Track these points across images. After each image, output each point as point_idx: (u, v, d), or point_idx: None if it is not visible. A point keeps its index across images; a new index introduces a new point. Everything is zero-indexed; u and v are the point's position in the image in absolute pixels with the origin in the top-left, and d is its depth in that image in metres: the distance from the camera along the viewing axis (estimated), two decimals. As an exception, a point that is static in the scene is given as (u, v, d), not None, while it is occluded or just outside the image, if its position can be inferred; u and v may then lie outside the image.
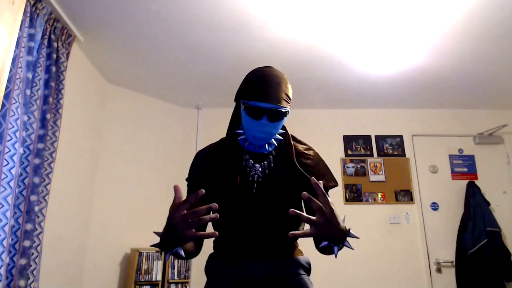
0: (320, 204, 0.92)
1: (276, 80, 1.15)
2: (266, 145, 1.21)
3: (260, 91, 1.12)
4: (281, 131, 1.25)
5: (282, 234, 1.21)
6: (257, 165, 1.22)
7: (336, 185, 1.28)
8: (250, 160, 1.22)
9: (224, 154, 1.24)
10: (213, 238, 1.31)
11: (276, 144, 1.24)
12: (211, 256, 1.30)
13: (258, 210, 1.19)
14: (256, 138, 1.17)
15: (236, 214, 1.20)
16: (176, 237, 0.92)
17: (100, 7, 2.37)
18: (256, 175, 1.21)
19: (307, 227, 1.26)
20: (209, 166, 1.25)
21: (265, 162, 1.22)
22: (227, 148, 1.24)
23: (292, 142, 1.27)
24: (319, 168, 1.27)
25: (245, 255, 1.20)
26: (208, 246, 1.31)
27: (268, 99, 1.11)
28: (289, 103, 1.17)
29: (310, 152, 1.29)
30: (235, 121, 1.25)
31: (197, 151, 1.34)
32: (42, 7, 2.19)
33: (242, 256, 1.20)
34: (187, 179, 1.30)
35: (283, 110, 1.14)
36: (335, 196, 3.58)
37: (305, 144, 1.33)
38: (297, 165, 1.22)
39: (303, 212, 1.25)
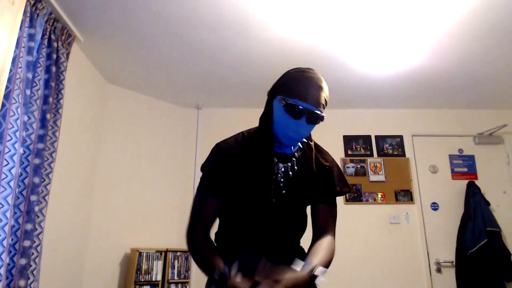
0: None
1: (319, 83, 1.14)
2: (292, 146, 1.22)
3: (304, 91, 1.11)
4: None
5: (292, 234, 1.25)
6: (280, 165, 1.22)
7: (349, 190, 1.30)
8: (275, 159, 1.22)
9: (255, 151, 1.20)
10: (215, 232, 1.31)
11: (301, 146, 1.25)
12: None
13: (276, 209, 1.20)
14: (288, 137, 1.16)
15: (260, 211, 1.20)
16: None
17: (100, 7, 2.37)
18: (279, 175, 1.21)
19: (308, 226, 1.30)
20: (233, 161, 1.20)
21: (289, 163, 1.23)
22: (260, 145, 1.20)
23: (313, 146, 1.28)
24: (335, 174, 1.28)
25: (253, 252, 1.21)
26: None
27: (310, 100, 1.10)
28: (324, 109, 1.16)
29: (328, 158, 1.30)
30: (267, 117, 1.21)
31: (216, 143, 1.26)
32: (42, 7, 2.19)
33: (250, 252, 1.21)
34: (203, 169, 1.23)
35: (322, 115, 1.13)
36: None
37: (323, 149, 1.33)
38: (315, 170, 1.23)
39: (306, 215, 1.28)
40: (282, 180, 1.20)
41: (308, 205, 1.28)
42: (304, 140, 1.25)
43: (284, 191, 1.20)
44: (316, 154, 1.27)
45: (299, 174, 1.23)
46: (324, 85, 1.16)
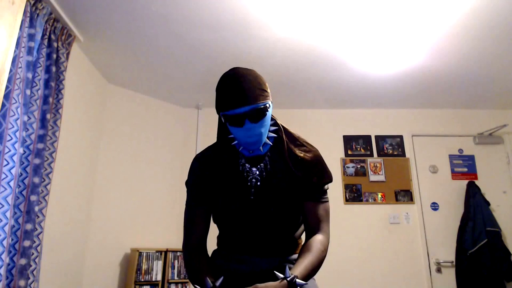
0: None
1: (243, 79, 1.09)
2: (261, 147, 1.20)
3: (231, 98, 1.08)
4: (273, 127, 1.22)
5: (282, 234, 1.23)
6: (254, 169, 1.21)
7: (329, 181, 1.23)
8: (247, 165, 1.22)
9: (220, 160, 1.24)
10: (217, 236, 1.34)
11: (271, 144, 1.22)
12: (214, 253, 1.33)
13: (258, 213, 1.20)
14: (248, 143, 1.15)
15: (238, 217, 1.21)
16: None
17: (100, 7, 2.37)
18: (254, 179, 1.20)
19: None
20: (208, 171, 1.24)
21: (262, 164, 1.21)
22: (222, 154, 1.24)
23: (285, 139, 1.23)
24: (313, 164, 1.22)
25: (248, 253, 1.22)
26: (212, 243, 1.32)
27: (241, 102, 1.06)
28: (266, 96, 1.12)
29: (304, 148, 1.24)
30: (224, 131, 1.24)
31: (195, 155, 1.33)
32: (42, 7, 2.19)
33: (245, 253, 1.22)
34: (186, 183, 1.29)
35: (262, 106, 1.09)
36: (336, 197, 3.58)
37: (299, 139, 1.27)
38: (290, 164, 1.20)
39: (297, 213, 1.25)
40: (258, 184, 1.20)
41: (295, 201, 1.22)
42: (273, 134, 1.22)
43: (260, 194, 1.19)
44: (289, 146, 1.22)
45: (275, 172, 1.21)
46: (251, 77, 1.11)
